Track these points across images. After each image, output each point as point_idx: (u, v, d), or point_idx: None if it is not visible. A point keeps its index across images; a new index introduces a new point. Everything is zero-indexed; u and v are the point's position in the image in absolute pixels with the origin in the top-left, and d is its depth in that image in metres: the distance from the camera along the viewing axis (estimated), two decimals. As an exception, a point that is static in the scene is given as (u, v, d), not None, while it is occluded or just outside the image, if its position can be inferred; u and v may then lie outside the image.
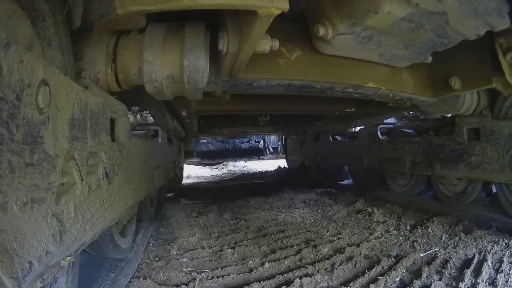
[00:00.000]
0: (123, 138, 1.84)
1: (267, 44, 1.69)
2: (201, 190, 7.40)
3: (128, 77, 1.81)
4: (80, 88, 1.26)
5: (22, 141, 0.85)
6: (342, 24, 1.81)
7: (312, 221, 3.94)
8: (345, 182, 6.62)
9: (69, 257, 1.14)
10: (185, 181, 9.14)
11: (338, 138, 6.72)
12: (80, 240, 1.21)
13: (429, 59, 2.29)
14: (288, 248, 2.92)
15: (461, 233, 2.92)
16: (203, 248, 3.04)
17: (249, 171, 11.55)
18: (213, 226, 3.84)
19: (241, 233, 3.48)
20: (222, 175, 11.02)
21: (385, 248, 2.82)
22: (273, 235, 3.33)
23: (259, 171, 11.12)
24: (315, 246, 2.92)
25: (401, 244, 2.88)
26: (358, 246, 2.85)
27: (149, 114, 3.60)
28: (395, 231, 3.25)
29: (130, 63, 1.77)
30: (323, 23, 1.87)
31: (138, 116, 3.69)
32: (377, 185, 5.29)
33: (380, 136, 4.97)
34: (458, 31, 1.84)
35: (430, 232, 3.08)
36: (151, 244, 3.14)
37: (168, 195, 5.43)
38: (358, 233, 3.27)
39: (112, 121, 1.73)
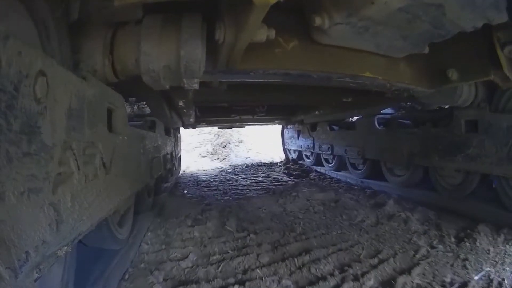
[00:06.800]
0: (120, 128, 1.85)
1: (263, 34, 1.70)
2: (199, 184, 6.45)
3: (126, 68, 1.81)
4: (78, 79, 1.27)
5: (20, 131, 0.86)
6: (339, 14, 1.81)
7: (339, 232, 3.14)
8: (343, 172, 6.60)
9: (66, 247, 1.15)
10: (182, 173, 8.39)
11: (335, 128, 6.73)
12: (77, 229, 1.22)
13: (426, 50, 2.29)
14: (320, 283, 2.22)
15: (506, 245, 2.58)
16: (199, 282, 2.25)
17: (252, 163, 10.56)
18: (213, 241, 2.96)
19: (252, 256, 2.62)
20: (224, 167, 9.78)
21: (437, 272, 2.30)
22: (295, 258, 2.52)
23: (264, 163, 10.25)
24: (355, 277, 2.26)
25: (452, 265, 2.38)
26: (409, 273, 2.26)
27: (146, 105, 3.59)
28: (441, 246, 2.67)
29: (127, 54, 1.77)
30: (320, 13, 1.86)
31: (135, 107, 3.68)
32: (374, 175, 5.31)
33: (378, 127, 4.98)
34: (455, 23, 1.84)
35: (478, 246, 2.61)
36: (126, 276, 2.29)
37: (165, 184, 5.27)
38: (401, 251, 2.61)
39: (109, 112, 1.73)
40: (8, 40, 0.80)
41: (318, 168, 7.26)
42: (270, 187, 5.73)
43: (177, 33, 1.70)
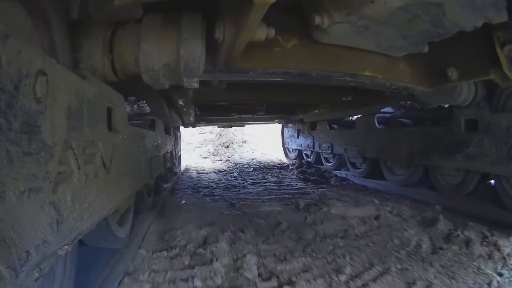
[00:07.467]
0: (120, 127, 1.85)
1: (263, 33, 1.70)
2: (200, 192, 5.35)
3: (125, 67, 1.82)
4: (77, 78, 1.27)
5: (20, 131, 0.86)
6: (339, 13, 1.81)
7: (398, 266, 2.34)
8: (343, 171, 6.59)
9: (67, 246, 1.15)
10: (181, 176, 7.40)
11: (335, 126, 6.74)
12: (78, 229, 1.22)
13: (426, 49, 2.28)
14: None
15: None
16: None
17: (260, 165, 9.27)
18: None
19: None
20: (227, 170, 8.42)
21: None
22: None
23: (273, 165, 9.01)
24: None
25: (522, 296, 1.99)
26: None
27: (146, 104, 3.59)
28: (505, 271, 2.28)
29: (127, 53, 1.78)
30: (319, 12, 1.86)
31: (135, 106, 3.67)
32: (374, 174, 5.32)
33: (377, 125, 4.99)
34: (455, 23, 1.84)
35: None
36: None
37: (165, 185, 5.02)
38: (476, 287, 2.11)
39: (109, 111, 1.73)
40: (8, 39, 0.80)
41: (338, 173, 6.68)
42: (286, 196, 4.79)
43: (177, 32, 1.71)
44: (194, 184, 6.18)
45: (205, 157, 11.81)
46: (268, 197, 4.80)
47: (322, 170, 7.10)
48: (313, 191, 5.01)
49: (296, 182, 6.19)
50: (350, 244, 2.72)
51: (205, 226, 3.07)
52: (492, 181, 3.40)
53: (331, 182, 5.91)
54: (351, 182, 5.85)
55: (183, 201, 4.56)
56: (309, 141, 7.72)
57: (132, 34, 1.77)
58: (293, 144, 9.13)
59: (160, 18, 1.74)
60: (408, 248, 2.65)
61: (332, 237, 2.90)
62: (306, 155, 8.45)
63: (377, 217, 3.43)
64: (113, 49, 1.78)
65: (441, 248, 2.62)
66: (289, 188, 5.61)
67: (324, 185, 5.62)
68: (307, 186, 5.74)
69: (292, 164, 8.49)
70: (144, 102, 3.56)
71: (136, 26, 1.77)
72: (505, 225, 2.82)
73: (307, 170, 7.27)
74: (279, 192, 5.21)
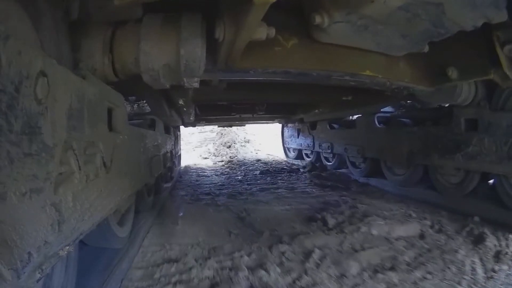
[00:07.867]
0: (120, 127, 1.85)
1: (263, 32, 1.70)
2: (201, 200, 4.55)
3: (125, 67, 1.82)
4: (78, 78, 1.27)
5: (20, 132, 0.86)
6: (338, 12, 1.81)
7: None
8: (343, 170, 6.56)
9: (68, 247, 1.15)
10: (180, 178, 6.68)
11: (335, 126, 6.74)
12: (79, 229, 1.22)
13: (426, 49, 2.29)
14: None
15: None
16: None
17: (266, 167, 8.32)
18: None
19: None
20: (230, 173, 7.52)
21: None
22: None
23: (281, 168, 8.03)
24: None
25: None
26: None
27: (146, 104, 3.59)
28: None
29: (127, 53, 1.78)
30: (319, 11, 1.87)
31: (135, 106, 3.66)
32: (374, 174, 5.32)
33: (378, 125, 4.99)
34: (455, 22, 1.84)
35: None
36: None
37: (165, 185, 4.93)
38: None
39: (110, 111, 1.73)
40: (8, 40, 0.80)
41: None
42: (304, 207, 4.04)
43: (177, 32, 1.71)
44: (193, 190, 5.36)
45: (206, 158, 11.20)
46: (282, 207, 4.05)
47: (336, 173, 6.53)
48: (336, 201, 4.25)
49: (312, 188, 5.35)
50: (406, 279, 2.14)
51: (209, 258, 2.41)
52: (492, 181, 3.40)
53: (352, 189, 5.12)
54: (374, 188, 5.14)
55: (181, 213, 3.82)
56: (309, 141, 7.73)
57: (132, 34, 1.77)
58: (293, 144, 9.14)
59: (160, 18, 1.74)
60: (467, 276, 2.21)
61: (380, 269, 2.28)
62: (306, 154, 8.46)
63: (421, 236, 2.89)
64: (113, 49, 1.78)
65: (494, 271, 2.27)
66: (305, 195, 4.80)
67: (344, 192, 4.87)
68: (325, 193, 4.91)
69: (304, 167, 7.61)
70: (144, 101, 3.56)
71: (136, 26, 1.77)
72: (505, 225, 2.82)
73: (322, 174, 6.49)
74: (294, 201, 4.40)
